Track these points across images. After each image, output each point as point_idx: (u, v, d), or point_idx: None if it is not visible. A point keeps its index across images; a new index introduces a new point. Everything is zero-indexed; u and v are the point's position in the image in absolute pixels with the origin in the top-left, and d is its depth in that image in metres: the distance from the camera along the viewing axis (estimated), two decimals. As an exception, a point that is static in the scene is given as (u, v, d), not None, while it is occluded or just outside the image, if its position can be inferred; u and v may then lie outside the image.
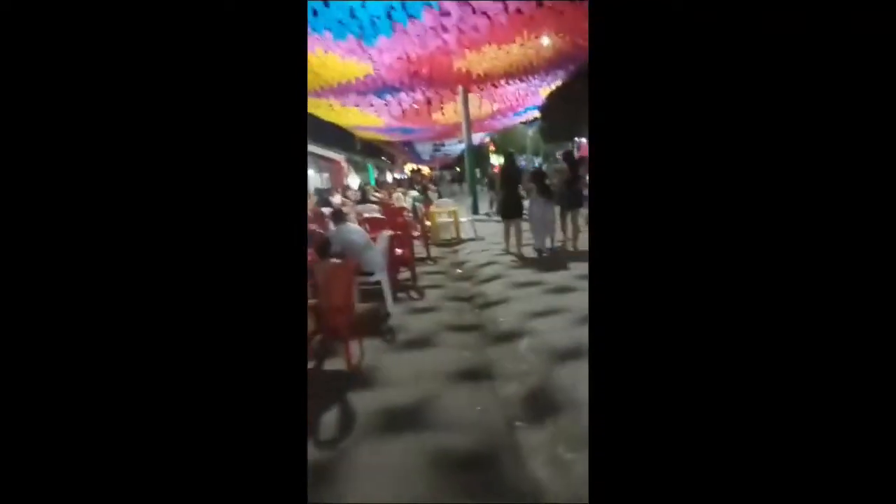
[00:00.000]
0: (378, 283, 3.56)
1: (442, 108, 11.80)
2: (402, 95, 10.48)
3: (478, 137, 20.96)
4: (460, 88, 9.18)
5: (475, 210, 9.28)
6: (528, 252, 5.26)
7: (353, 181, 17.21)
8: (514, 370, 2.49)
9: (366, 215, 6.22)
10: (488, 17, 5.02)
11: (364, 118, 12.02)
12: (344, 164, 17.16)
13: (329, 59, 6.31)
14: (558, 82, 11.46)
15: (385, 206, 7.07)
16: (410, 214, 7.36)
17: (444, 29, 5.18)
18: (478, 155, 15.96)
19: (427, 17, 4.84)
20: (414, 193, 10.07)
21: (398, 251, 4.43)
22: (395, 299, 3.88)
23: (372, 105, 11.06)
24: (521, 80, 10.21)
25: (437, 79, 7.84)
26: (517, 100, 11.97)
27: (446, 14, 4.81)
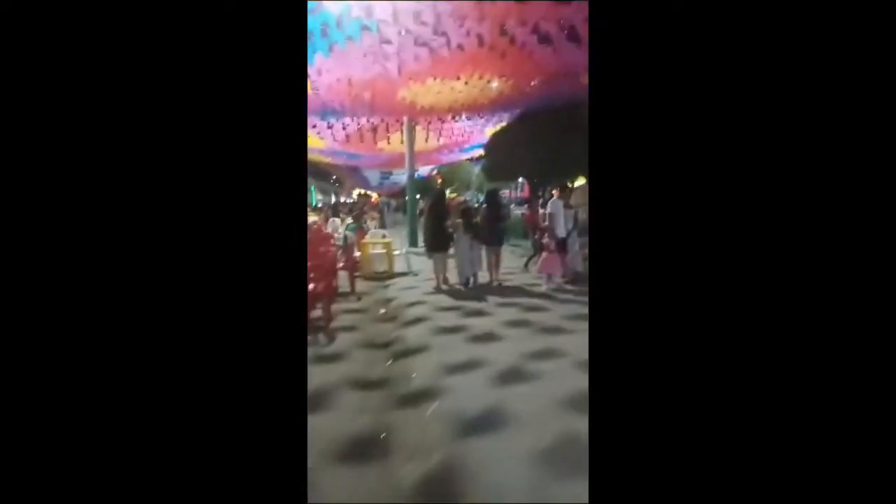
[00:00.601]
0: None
1: (388, 137, 11.64)
2: (347, 119, 10.19)
3: (426, 170, 21.04)
4: (405, 119, 9.05)
5: (413, 242, 8.98)
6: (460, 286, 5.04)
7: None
8: (415, 444, 2.10)
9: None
10: (430, 48, 4.91)
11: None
12: (282, 184, 16.30)
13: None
14: (503, 123, 11.79)
15: (311, 232, 6.55)
16: (339, 243, 6.90)
17: (385, 56, 4.99)
18: (425, 187, 16.00)
19: (366, 41, 4.62)
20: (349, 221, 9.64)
21: (310, 286, 3.95)
22: (300, 342, 3.39)
23: (314, 126, 10.63)
24: (467, 118, 10.35)
25: (380, 106, 7.64)
26: (463, 136, 12.12)
27: (386, 41, 4.62)
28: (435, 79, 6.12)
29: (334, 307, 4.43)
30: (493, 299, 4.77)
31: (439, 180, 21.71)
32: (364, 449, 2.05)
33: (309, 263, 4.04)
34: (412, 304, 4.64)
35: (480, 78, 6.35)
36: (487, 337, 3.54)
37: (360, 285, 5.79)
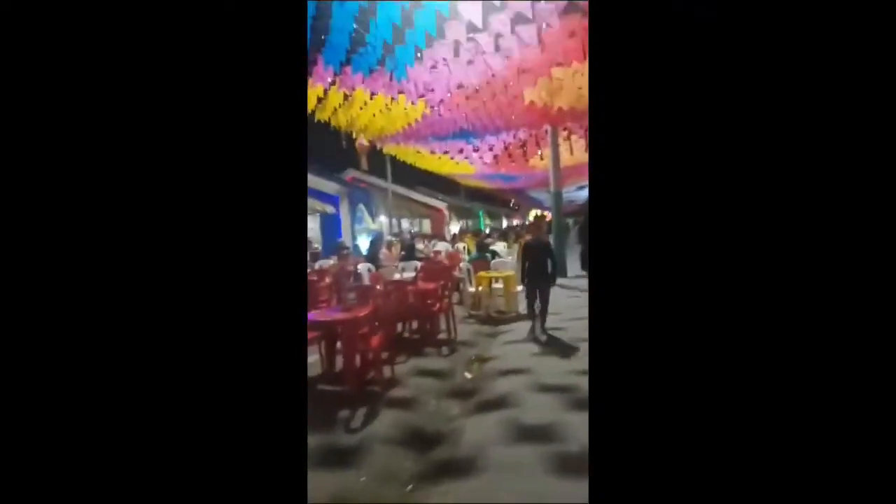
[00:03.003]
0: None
1: (540, 153, 10.40)
2: (493, 139, 9.48)
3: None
4: (547, 129, 7.73)
5: (561, 271, 7.44)
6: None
7: (455, 228, 16.64)
8: None
9: (395, 277, 5.16)
10: (537, 23, 3.65)
11: (454, 166, 11.34)
12: (446, 212, 16.79)
13: (378, 102, 5.67)
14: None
15: (430, 262, 5.91)
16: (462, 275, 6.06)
17: (478, 49, 3.98)
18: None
19: (450, 31, 3.73)
20: (500, 246, 8.75)
21: (367, 340, 3.15)
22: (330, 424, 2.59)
23: (461, 151, 10.32)
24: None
25: (506, 116, 6.59)
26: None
27: (474, 27, 3.62)
28: (563, 66, 4.74)
29: (405, 365, 3.55)
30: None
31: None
32: None
33: (368, 309, 3.27)
34: (509, 373, 3.35)
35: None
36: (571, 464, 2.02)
37: (469, 331, 4.77)
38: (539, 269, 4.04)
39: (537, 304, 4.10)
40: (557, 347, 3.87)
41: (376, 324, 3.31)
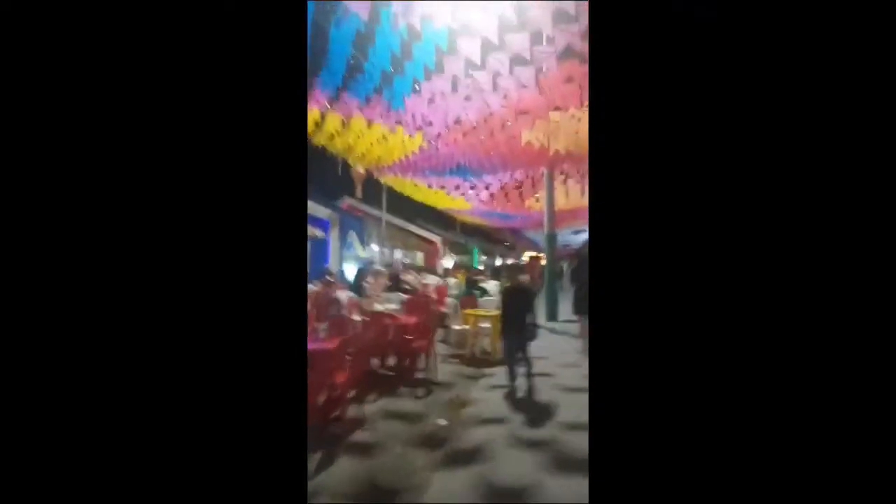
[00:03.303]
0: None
1: (536, 194, 10.45)
2: (489, 177, 9.53)
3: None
4: (543, 171, 7.77)
5: (552, 315, 7.26)
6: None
7: (448, 263, 16.49)
8: None
9: (377, 307, 4.94)
10: (535, 64, 3.67)
11: (450, 201, 11.35)
12: (440, 246, 16.70)
13: (375, 131, 5.67)
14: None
15: (415, 295, 5.70)
16: (448, 311, 5.85)
17: (477, 87, 3.99)
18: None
19: (448, 65, 3.74)
20: (492, 284, 8.57)
21: (336, 379, 2.91)
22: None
23: (458, 187, 10.36)
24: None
25: (508, 155, 6.61)
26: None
27: (473, 64, 3.63)
28: (561, 110, 4.77)
29: (375, 405, 3.28)
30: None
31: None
32: None
33: (339, 341, 3.05)
34: (483, 423, 3.09)
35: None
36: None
37: (450, 371, 4.51)
38: (518, 319, 3.62)
39: (518, 359, 3.74)
40: (540, 398, 3.62)
41: (347, 357, 3.08)
